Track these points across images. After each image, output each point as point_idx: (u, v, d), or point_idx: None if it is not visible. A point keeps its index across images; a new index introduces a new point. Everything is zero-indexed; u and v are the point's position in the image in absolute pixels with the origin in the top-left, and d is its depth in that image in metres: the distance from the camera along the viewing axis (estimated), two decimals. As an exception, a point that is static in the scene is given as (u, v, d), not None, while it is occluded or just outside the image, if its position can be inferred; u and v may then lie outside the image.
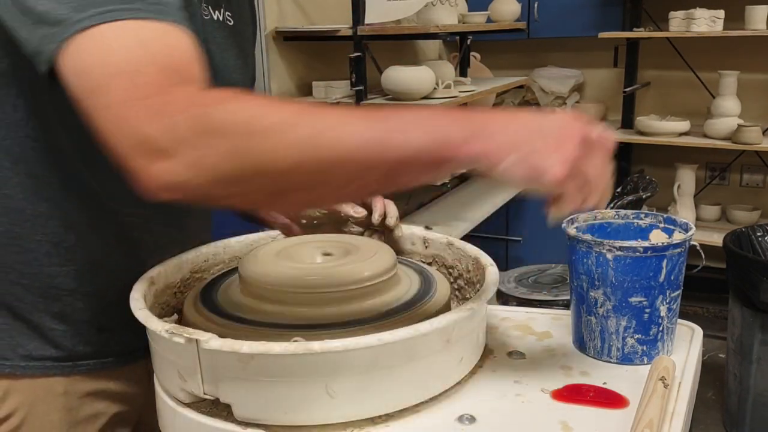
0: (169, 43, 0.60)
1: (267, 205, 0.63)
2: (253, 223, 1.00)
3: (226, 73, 0.86)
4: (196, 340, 0.63)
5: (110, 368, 0.85)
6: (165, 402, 0.71)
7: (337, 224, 0.93)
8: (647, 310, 0.77)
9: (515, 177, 0.59)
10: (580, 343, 0.82)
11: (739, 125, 2.88)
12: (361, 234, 0.92)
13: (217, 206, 0.61)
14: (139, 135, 0.56)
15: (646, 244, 0.76)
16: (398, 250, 0.93)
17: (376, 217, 0.88)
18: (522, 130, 0.60)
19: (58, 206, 0.76)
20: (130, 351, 0.85)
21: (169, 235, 0.87)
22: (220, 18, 0.85)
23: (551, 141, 0.59)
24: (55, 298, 0.79)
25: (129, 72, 0.57)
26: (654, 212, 0.89)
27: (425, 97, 2.29)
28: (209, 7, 0.83)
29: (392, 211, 0.89)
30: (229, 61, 0.87)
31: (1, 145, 0.73)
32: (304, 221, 0.92)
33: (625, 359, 0.79)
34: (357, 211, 0.88)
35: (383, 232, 0.92)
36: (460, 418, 0.67)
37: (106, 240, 0.81)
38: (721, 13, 2.81)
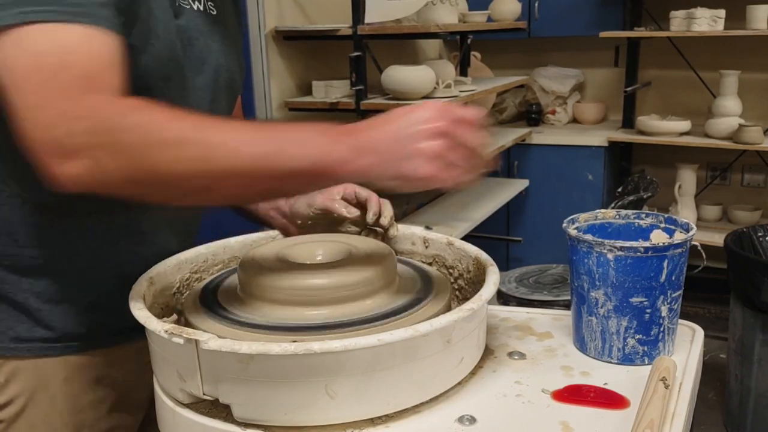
0: (87, 49, 0.65)
1: (167, 203, 0.71)
2: (252, 222, 1.00)
3: (211, 59, 0.88)
4: (196, 341, 0.63)
5: (105, 347, 0.85)
6: (164, 402, 0.71)
7: (333, 224, 0.93)
8: (648, 311, 0.77)
9: (390, 185, 0.67)
10: (581, 344, 0.82)
11: (741, 125, 2.87)
12: (358, 234, 0.92)
13: (125, 200, 0.69)
14: (49, 137, 0.62)
15: (647, 244, 0.76)
16: (398, 250, 0.93)
17: (370, 216, 0.88)
18: (390, 139, 0.66)
19: (30, 186, 0.76)
20: (127, 330, 0.85)
21: (151, 215, 0.87)
22: (201, 8, 0.87)
23: (415, 142, 0.65)
24: (38, 277, 0.80)
25: (45, 77, 0.62)
26: (655, 212, 0.88)
27: (425, 97, 2.29)
28: None
29: (387, 210, 0.89)
30: (214, 46, 0.89)
31: None
32: (300, 221, 0.92)
33: (626, 359, 0.79)
34: (350, 211, 0.88)
35: (380, 232, 0.92)
36: (461, 419, 0.67)
37: (83, 218, 0.81)
38: (722, 12, 2.81)
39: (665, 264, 0.76)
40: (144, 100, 0.66)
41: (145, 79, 0.77)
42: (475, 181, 0.69)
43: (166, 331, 0.64)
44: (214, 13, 0.90)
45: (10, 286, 0.80)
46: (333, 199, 0.88)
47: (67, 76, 0.63)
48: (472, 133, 0.67)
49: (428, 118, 0.66)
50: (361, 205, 0.89)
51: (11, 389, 0.81)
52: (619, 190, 2.67)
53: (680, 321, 0.83)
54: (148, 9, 0.75)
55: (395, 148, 0.65)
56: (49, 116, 0.62)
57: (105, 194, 0.66)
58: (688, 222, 0.83)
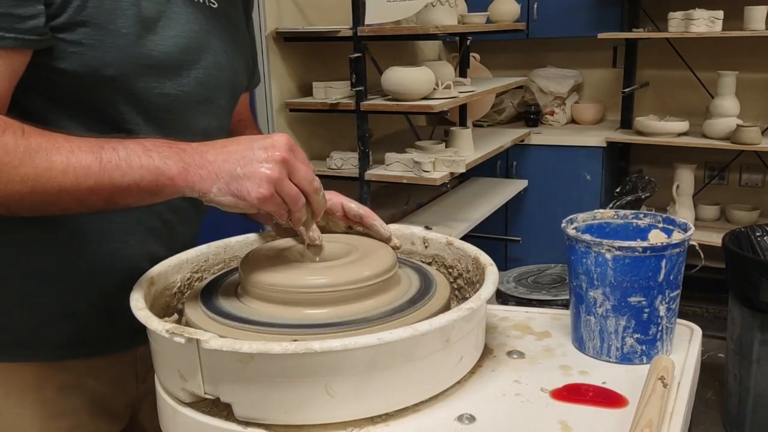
0: None
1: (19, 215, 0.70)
2: (253, 221, 1.00)
3: (210, 55, 0.87)
4: (197, 340, 0.63)
5: (82, 358, 0.83)
6: (165, 401, 0.71)
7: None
8: (646, 310, 0.77)
9: (223, 202, 0.69)
10: (580, 343, 0.82)
11: (738, 125, 2.88)
12: None
13: None
14: None
15: (645, 244, 0.76)
16: (398, 250, 0.93)
17: (381, 230, 0.86)
18: (228, 159, 0.69)
19: None
20: (104, 341, 0.84)
21: (129, 215, 0.85)
22: (200, 0, 0.86)
23: (253, 166, 0.68)
24: (6, 281, 0.79)
25: None
26: (653, 212, 0.89)
27: (425, 98, 2.30)
28: None
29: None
30: (213, 43, 0.87)
31: None
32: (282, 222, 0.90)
33: (625, 359, 0.79)
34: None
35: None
36: (460, 418, 0.67)
37: (43, 225, 0.79)
38: (720, 13, 2.81)
39: (663, 264, 0.76)
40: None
41: (114, 70, 0.76)
42: (305, 222, 0.74)
43: (167, 331, 0.64)
44: (215, 6, 0.88)
45: None
46: None
47: None
48: (308, 173, 0.71)
49: (270, 146, 0.69)
50: (348, 218, 0.88)
51: None
52: (618, 190, 2.68)
53: (678, 320, 0.84)
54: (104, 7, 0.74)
55: (231, 167, 0.68)
56: None
57: None
58: (686, 222, 0.83)
